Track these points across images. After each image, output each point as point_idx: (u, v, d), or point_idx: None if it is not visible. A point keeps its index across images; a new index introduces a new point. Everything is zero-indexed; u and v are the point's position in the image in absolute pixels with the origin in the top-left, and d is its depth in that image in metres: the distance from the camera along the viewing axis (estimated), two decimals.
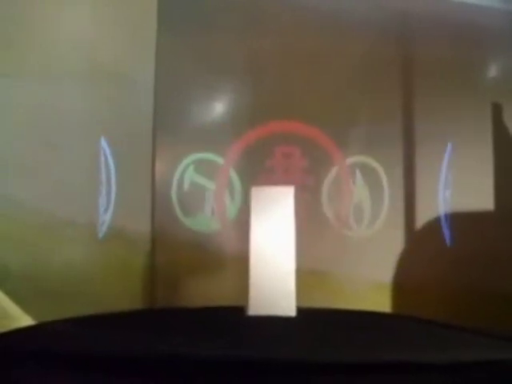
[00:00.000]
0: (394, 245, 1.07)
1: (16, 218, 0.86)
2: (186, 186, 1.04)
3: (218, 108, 1.07)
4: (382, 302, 1.04)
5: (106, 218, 0.97)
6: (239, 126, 1.06)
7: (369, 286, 1.04)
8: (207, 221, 1.04)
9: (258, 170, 1.05)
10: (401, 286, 1.05)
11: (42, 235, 0.87)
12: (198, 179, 1.05)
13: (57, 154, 0.92)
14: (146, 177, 1.01)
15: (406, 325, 0.56)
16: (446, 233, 1.08)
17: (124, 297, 0.94)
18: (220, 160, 1.05)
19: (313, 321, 0.53)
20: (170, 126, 1.04)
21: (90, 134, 0.97)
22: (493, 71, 1.15)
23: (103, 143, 0.98)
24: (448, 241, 1.07)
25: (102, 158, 0.98)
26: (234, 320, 0.54)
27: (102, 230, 0.97)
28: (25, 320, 0.81)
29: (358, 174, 1.08)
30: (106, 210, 0.98)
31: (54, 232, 0.89)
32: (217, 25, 1.05)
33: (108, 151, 0.99)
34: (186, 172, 1.04)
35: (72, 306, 0.82)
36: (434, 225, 1.08)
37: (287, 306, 0.54)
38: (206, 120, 1.07)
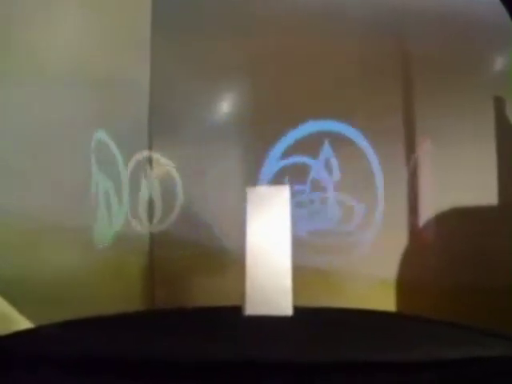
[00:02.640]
0: (393, 244, 1.07)
1: (12, 224, 0.86)
2: None
3: (213, 109, 1.08)
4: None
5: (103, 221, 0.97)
6: (234, 126, 1.06)
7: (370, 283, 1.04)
8: None
9: None
10: (401, 284, 1.05)
11: (38, 239, 0.87)
12: None
13: (50, 157, 0.91)
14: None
15: (401, 323, 0.56)
16: (443, 230, 1.08)
17: (122, 298, 0.94)
18: None
19: (309, 320, 0.53)
20: (165, 127, 1.04)
21: (85, 136, 0.97)
22: (492, 65, 1.14)
23: (100, 143, 0.98)
24: (444, 237, 1.07)
25: (95, 159, 0.98)
26: (230, 320, 0.54)
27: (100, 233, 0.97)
28: (24, 324, 0.81)
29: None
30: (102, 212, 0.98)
31: (50, 235, 0.89)
32: (211, 27, 1.06)
33: (104, 153, 0.99)
34: None
35: (71, 308, 0.82)
36: (433, 222, 1.08)
37: (284, 306, 0.54)
38: (203, 121, 1.07)
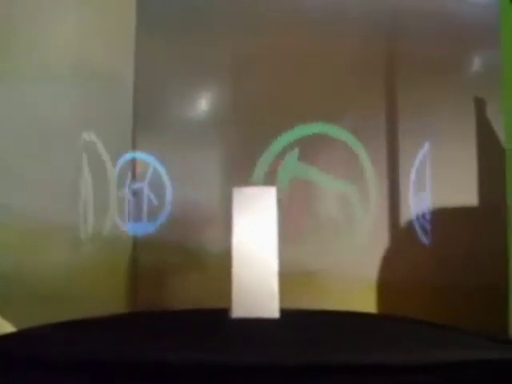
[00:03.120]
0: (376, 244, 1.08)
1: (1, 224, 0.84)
2: None
3: (196, 105, 1.07)
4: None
5: (88, 222, 0.96)
6: (216, 123, 1.06)
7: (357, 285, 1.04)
8: None
9: None
10: (385, 285, 1.05)
11: (25, 240, 0.85)
12: None
13: (39, 158, 0.90)
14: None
15: (393, 325, 0.56)
16: (427, 230, 1.08)
17: (108, 299, 0.93)
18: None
19: (296, 323, 0.52)
20: (149, 123, 1.04)
21: (73, 135, 0.96)
22: (476, 66, 1.15)
23: (85, 142, 0.97)
24: (428, 238, 1.08)
25: (84, 159, 0.97)
26: (217, 323, 0.53)
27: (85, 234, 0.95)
28: (5, 327, 0.79)
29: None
30: (89, 213, 0.96)
31: (37, 236, 0.88)
32: (195, 25, 1.05)
33: (88, 151, 0.97)
34: None
35: (57, 309, 0.80)
36: (416, 222, 1.09)
37: (271, 308, 0.54)
38: (186, 117, 1.07)
